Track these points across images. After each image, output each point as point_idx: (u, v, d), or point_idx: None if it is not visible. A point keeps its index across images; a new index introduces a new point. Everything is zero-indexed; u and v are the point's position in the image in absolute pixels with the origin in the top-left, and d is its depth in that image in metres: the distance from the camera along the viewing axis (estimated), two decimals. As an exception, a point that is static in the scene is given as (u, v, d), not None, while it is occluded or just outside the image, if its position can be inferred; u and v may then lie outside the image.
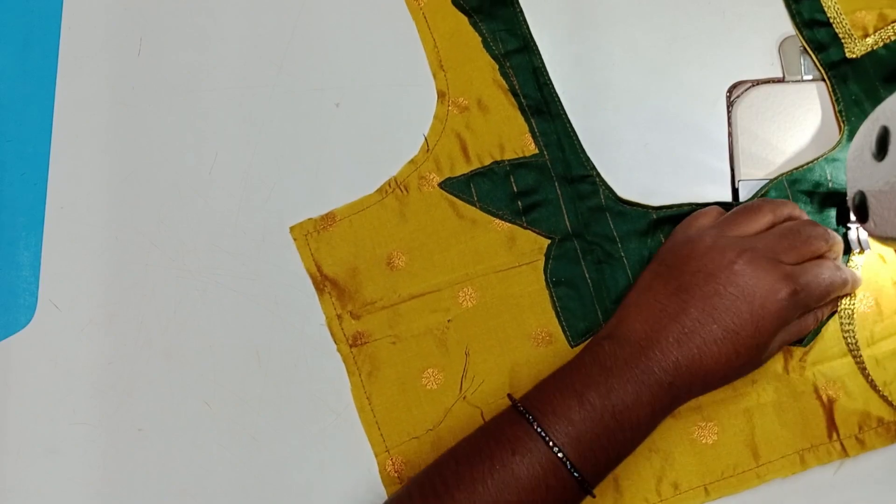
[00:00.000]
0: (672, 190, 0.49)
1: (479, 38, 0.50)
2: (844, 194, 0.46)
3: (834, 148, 0.47)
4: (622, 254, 0.47)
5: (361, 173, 0.50)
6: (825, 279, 0.42)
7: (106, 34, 0.53)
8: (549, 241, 0.48)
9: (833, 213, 0.47)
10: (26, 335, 0.50)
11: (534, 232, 0.48)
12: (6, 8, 0.54)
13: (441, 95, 0.50)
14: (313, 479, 0.47)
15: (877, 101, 0.47)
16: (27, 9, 0.54)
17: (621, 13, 0.51)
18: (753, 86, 0.49)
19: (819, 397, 0.45)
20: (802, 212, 0.45)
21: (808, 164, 0.47)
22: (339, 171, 0.50)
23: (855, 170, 0.43)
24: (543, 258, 0.48)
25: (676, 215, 0.47)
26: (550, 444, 0.38)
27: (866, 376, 0.44)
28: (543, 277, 0.48)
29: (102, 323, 0.50)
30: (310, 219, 0.49)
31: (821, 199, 0.47)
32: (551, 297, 0.47)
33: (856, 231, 0.46)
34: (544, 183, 0.49)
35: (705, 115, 0.49)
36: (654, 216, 0.48)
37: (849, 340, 0.45)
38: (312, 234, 0.49)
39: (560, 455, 0.38)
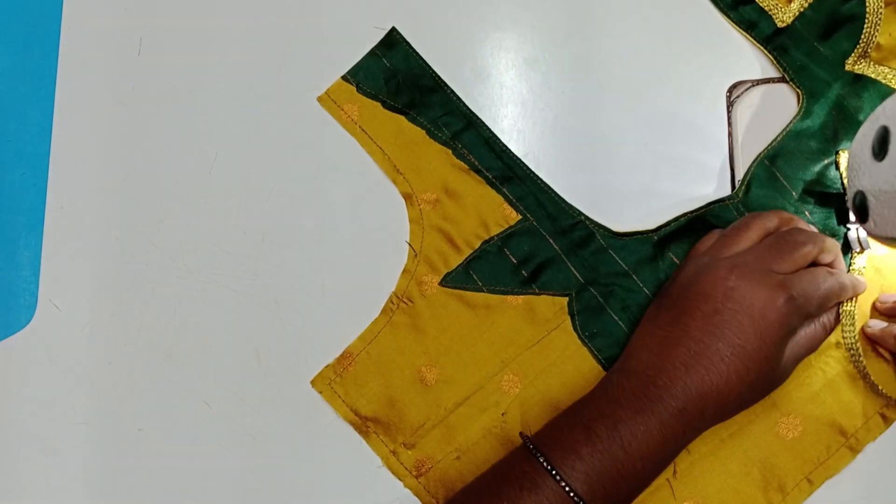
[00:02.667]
0: (672, 190, 0.49)
1: (423, 131, 0.49)
2: (839, 187, 0.47)
3: (797, 115, 0.48)
4: (640, 285, 0.47)
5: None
6: (820, 285, 0.42)
7: (106, 34, 0.53)
8: (566, 299, 0.47)
9: (833, 212, 0.47)
10: (26, 335, 0.50)
11: (549, 295, 0.47)
12: (6, 8, 0.54)
13: (407, 198, 0.49)
14: (313, 479, 0.47)
15: (820, 60, 0.48)
16: (27, 9, 0.54)
17: (621, 13, 0.51)
18: (753, 86, 0.49)
19: (879, 354, 0.45)
20: (791, 217, 0.45)
21: (779, 136, 0.48)
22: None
23: (855, 170, 0.43)
24: (568, 317, 0.47)
25: (676, 230, 0.47)
26: (558, 478, 0.38)
27: (865, 376, 0.45)
28: (576, 336, 0.47)
29: (102, 323, 0.50)
30: (327, 366, 0.48)
31: (819, 194, 0.47)
32: (591, 352, 0.46)
33: (856, 231, 0.46)
34: (539, 244, 0.48)
35: (705, 115, 0.49)
36: (655, 238, 0.47)
37: (849, 342, 0.45)
38: (336, 381, 0.48)
39: (568, 490, 0.38)
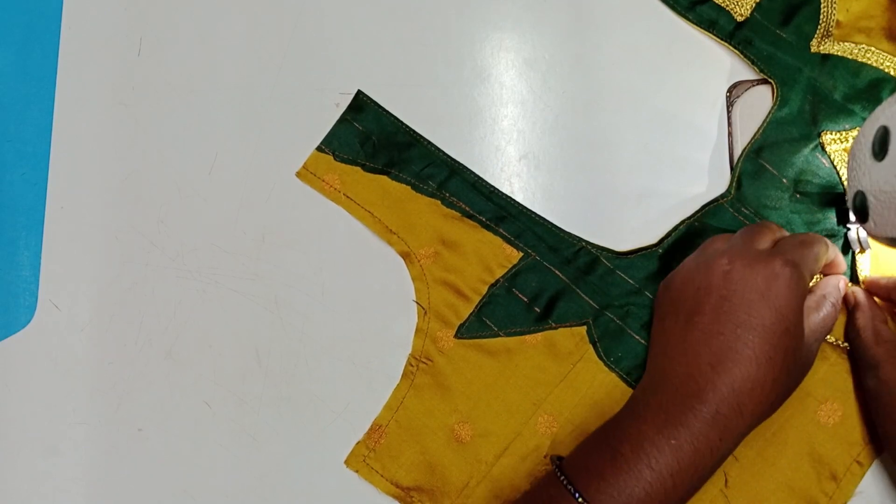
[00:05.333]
0: (672, 190, 0.49)
1: (408, 187, 0.49)
2: (828, 171, 0.47)
3: (774, 106, 0.48)
4: (654, 298, 0.47)
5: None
6: (804, 240, 0.42)
7: (106, 34, 0.53)
8: (584, 328, 0.46)
9: (832, 213, 0.47)
10: (26, 335, 0.50)
11: (566, 327, 0.47)
12: (6, 8, 0.54)
13: (405, 256, 0.48)
14: (313, 479, 0.47)
15: (785, 46, 0.48)
16: (27, 9, 0.54)
17: (621, 13, 0.51)
18: (753, 86, 0.49)
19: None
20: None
21: (760, 128, 0.48)
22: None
23: (855, 170, 0.43)
24: (590, 346, 0.46)
25: (678, 239, 0.47)
26: (581, 501, 0.37)
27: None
28: (602, 363, 0.46)
29: (102, 323, 0.50)
30: (358, 442, 0.47)
31: (818, 195, 0.47)
32: (620, 376, 0.46)
33: (856, 231, 0.46)
34: (546, 278, 0.47)
35: (705, 115, 0.49)
36: (660, 251, 0.47)
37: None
38: (370, 456, 0.46)
39: None
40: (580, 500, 0.37)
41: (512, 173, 0.50)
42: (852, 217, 0.45)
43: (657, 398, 0.39)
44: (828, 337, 0.45)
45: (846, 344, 0.45)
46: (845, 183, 0.47)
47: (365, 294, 0.49)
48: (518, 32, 0.51)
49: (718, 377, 0.38)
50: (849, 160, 0.43)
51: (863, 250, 0.46)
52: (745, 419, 0.38)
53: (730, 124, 0.49)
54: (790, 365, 0.39)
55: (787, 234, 0.44)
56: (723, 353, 0.38)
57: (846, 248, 0.46)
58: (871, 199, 0.41)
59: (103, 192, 0.51)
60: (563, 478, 0.38)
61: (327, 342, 0.49)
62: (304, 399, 0.48)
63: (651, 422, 0.38)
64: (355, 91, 0.51)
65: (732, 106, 0.49)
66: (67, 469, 0.48)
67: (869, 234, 0.43)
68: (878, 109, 0.41)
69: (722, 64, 0.50)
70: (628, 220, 0.49)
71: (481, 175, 0.49)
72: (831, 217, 0.47)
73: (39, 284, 0.51)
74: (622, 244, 0.48)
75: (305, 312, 0.49)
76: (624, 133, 0.50)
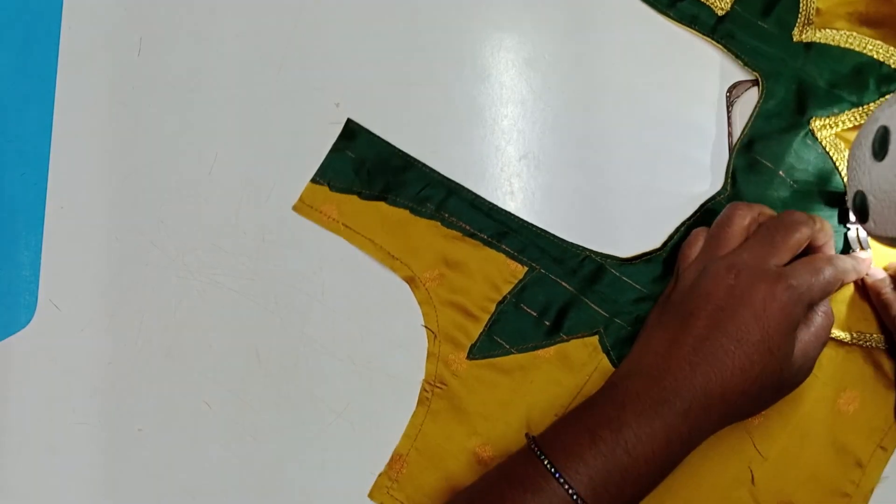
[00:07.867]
0: (672, 189, 0.49)
1: (406, 210, 0.48)
2: (821, 157, 0.47)
3: (760, 99, 0.48)
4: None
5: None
6: (819, 271, 0.42)
7: (106, 34, 0.53)
8: (596, 337, 0.46)
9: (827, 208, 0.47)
10: (26, 335, 0.50)
11: (578, 338, 0.46)
12: (6, 8, 0.54)
13: (410, 281, 0.48)
14: (313, 479, 0.47)
15: (767, 38, 0.48)
16: (27, 9, 0.54)
17: (621, 13, 0.51)
18: (754, 85, 0.49)
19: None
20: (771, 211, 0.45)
21: (748, 123, 0.48)
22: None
23: (855, 170, 0.43)
24: (604, 355, 0.46)
25: (679, 242, 0.47)
26: (562, 482, 0.38)
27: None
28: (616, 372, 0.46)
29: (102, 323, 0.50)
30: (381, 474, 0.46)
31: (814, 184, 0.47)
32: None
33: (856, 231, 0.46)
34: (553, 290, 0.47)
35: (706, 115, 0.49)
36: (664, 255, 0.47)
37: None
38: (393, 486, 0.46)
39: (572, 493, 0.37)
40: (562, 481, 0.38)
41: (512, 173, 0.50)
42: (852, 217, 0.45)
43: (636, 385, 0.40)
44: (840, 334, 0.45)
45: (857, 337, 0.45)
46: (839, 168, 0.47)
47: (365, 293, 0.49)
48: (518, 32, 0.51)
49: (695, 377, 0.40)
50: (849, 160, 0.43)
51: (863, 250, 0.46)
52: (712, 420, 0.40)
53: (730, 124, 0.49)
54: (764, 381, 0.40)
55: (803, 237, 0.43)
56: (702, 356, 0.40)
57: (846, 248, 0.46)
58: (871, 199, 0.41)
59: (103, 192, 0.51)
60: (544, 459, 0.39)
61: (327, 342, 0.49)
62: (304, 399, 0.48)
63: (630, 409, 0.39)
64: (355, 91, 0.51)
65: (732, 106, 0.49)
66: (67, 469, 0.48)
67: (869, 234, 0.43)
68: (878, 110, 0.41)
69: (722, 64, 0.50)
70: (628, 220, 0.49)
71: (481, 175, 0.49)
72: (831, 217, 0.47)
73: (39, 284, 0.51)
74: (622, 244, 0.48)
75: (305, 312, 0.49)
76: (624, 133, 0.50)
